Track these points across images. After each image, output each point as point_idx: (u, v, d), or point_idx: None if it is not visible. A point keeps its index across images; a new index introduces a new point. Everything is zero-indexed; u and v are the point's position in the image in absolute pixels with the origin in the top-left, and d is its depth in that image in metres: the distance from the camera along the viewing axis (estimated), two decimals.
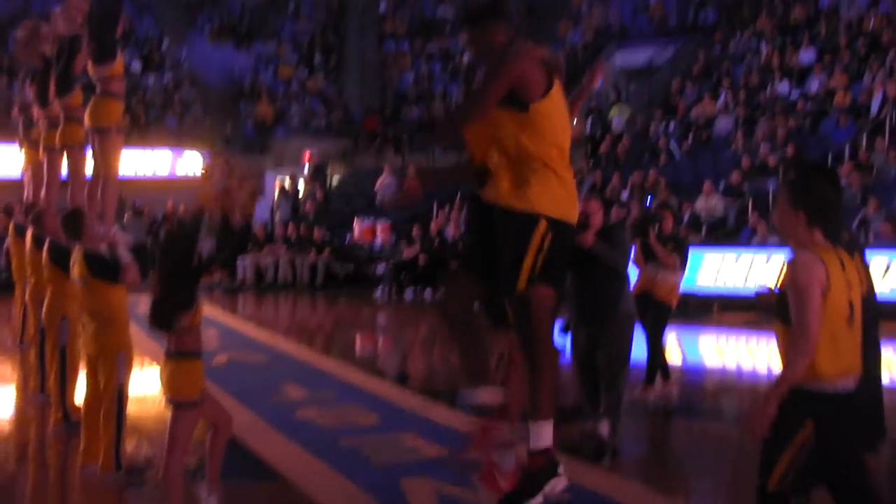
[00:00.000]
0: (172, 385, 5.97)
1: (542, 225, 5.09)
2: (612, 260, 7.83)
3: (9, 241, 13.50)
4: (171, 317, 5.89)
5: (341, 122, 31.30)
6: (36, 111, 10.60)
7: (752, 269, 17.06)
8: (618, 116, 26.26)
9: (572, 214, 5.31)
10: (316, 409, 9.35)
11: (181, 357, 5.96)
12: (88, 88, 8.98)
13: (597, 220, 7.96)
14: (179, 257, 5.93)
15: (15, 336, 13.59)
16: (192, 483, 6.23)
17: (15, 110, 15.12)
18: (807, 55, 24.76)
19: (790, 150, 20.82)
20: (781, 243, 17.17)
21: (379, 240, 23.04)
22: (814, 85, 23.50)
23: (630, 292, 8.25)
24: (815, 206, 4.47)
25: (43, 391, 9.50)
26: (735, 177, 20.42)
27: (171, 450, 5.98)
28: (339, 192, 28.71)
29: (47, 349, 8.97)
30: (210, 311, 17.21)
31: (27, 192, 13.40)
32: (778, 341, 4.53)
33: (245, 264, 23.17)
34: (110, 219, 8.33)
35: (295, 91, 32.02)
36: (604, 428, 7.83)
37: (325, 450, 7.85)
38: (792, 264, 4.42)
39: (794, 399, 4.38)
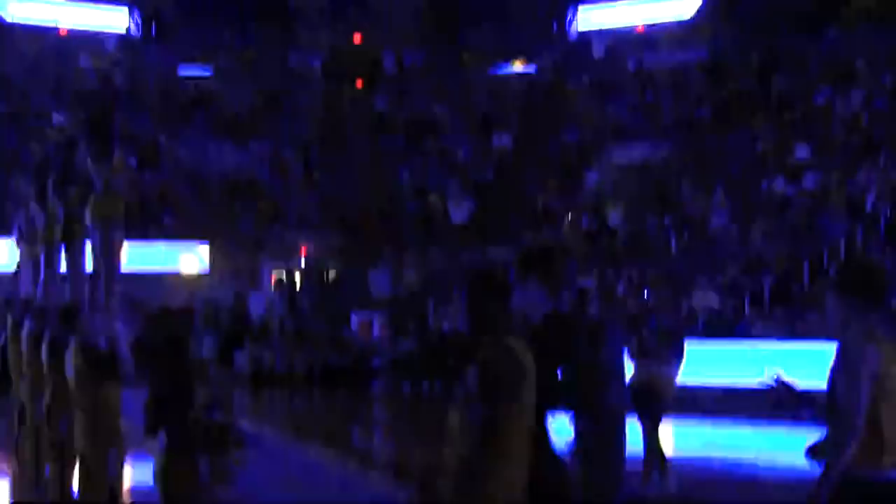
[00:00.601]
0: (165, 481, 5.91)
1: None
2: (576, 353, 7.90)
3: (7, 336, 13.46)
4: (162, 416, 5.86)
5: (338, 218, 31.43)
6: (34, 207, 10.66)
7: (750, 362, 16.99)
8: (614, 212, 26.39)
9: None
10: None
11: (175, 453, 5.91)
12: (85, 186, 9.07)
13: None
14: (169, 359, 5.92)
15: (12, 432, 13.49)
16: None
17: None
18: (802, 151, 25.00)
19: (785, 245, 20.91)
20: (776, 336, 17.18)
21: (376, 333, 22.98)
22: (809, 181, 23.67)
23: (622, 387, 8.14)
24: (864, 294, 4.55)
25: (38, 486, 9.39)
26: (731, 272, 20.46)
27: None
28: (336, 286, 28.71)
29: (45, 444, 8.89)
30: None
31: (24, 288, 13.40)
32: (831, 430, 4.53)
33: (242, 357, 23.10)
34: (113, 313, 8.32)
35: (292, 187, 32.22)
36: None
37: None
38: (842, 351, 4.47)
39: (852, 487, 4.40)
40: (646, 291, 20.23)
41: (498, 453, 3.94)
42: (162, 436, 5.90)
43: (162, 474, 5.91)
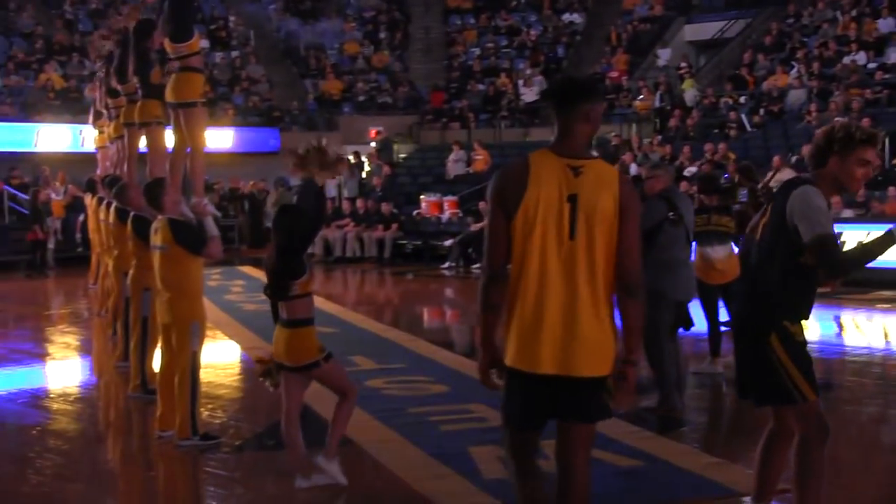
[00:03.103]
0: (290, 352, 6.17)
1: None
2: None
3: (90, 215, 13.81)
4: (287, 287, 6.16)
5: (407, 98, 31.36)
6: (115, 84, 10.81)
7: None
8: (691, 90, 25.97)
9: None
10: (385, 380, 9.46)
11: (295, 325, 6.20)
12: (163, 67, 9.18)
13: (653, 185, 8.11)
14: (293, 230, 6.14)
15: (98, 306, 13.97)
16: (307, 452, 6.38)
17: (90, 87, 15.42)
18: (885, 24, 24.25)
19: (865, 122, 20.46)
20: (855, 217, 16.96)
21: (446, 214, 23.08)
22: (892, 55, 23.01)
23: (667, 268, 8.02)
24: None
25: (126, 359, 9.69)
26: (806, 150, 20.09)
27: (343, 396, 6.36)
28: (405, 167, 28.79)
29: (131, 318, 9.14)
30: None
31: (101, 167, 13.70)
32: None
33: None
34: (199, 191, 8.43)
35: (361, 67, 32.12)
36: (649, 401, 8.23)
37: (395, 418, 7.96)
38: None
39: None
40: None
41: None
42: (282, 308, 6.24)
43: (285, 345, 6.24)
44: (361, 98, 31.01)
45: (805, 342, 4.83)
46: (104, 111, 12.74)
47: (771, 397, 4.89)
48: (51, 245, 21.41)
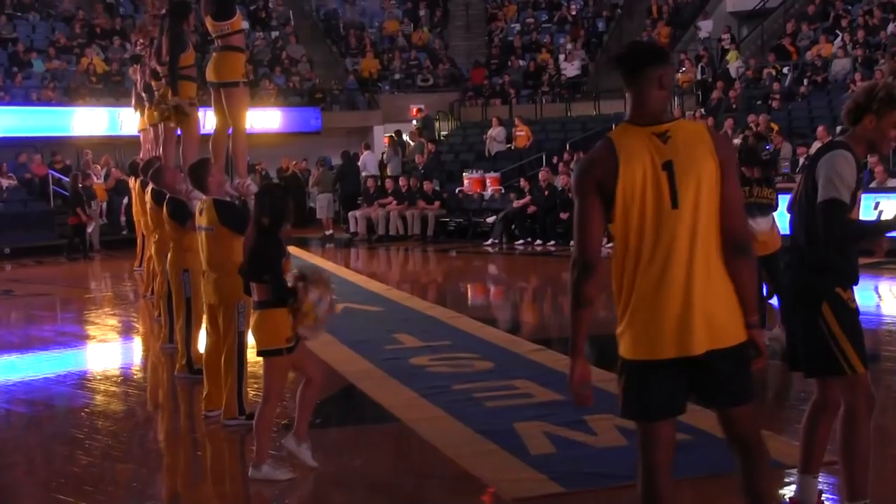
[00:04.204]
0: (256, 335, 6.13)
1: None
2: None
3: (135, 197, 13.91)
4: (262, 267, 6.08)
5: (448, 76, 31.26)
6: (156, 66, 10.85)
7: (874, 211, 16.60)
8: (736, 62, 25.67)
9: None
10: (430, 357, 9.46)
11: (265, 307, 6.12)
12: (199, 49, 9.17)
13: None
14: (276, 212, 6.08)
15: (143, 289, 14.09)
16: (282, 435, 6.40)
17: (132, 69, 15.49)
18: None
19: None
20: None
21: (489, 191, 23.02)
22: None
23: None
24: None
25: (171, 341, 9.76)
26: None
27: (265, 400, 6.21)
28: (447, 145, 28.72)
29: (174, 300, 9.19)
30: (324, 262, 17.45)
31: (144, 151, 13.80)
32: None
33: (357, 217, 23.42)
34: (242, 171, 8.44)
35: (401, 45, 32.07)
36: None
37: (440, 395, 7.96)
38: None
39: None
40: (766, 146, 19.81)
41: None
42: (255, 290, 6.16)
43: (254, 328, 6.17)
44: (401, 76, 30.97)
45: (857, 311, 4.77)
46: (144, 94, 12.81)
47: (821, 369, 4.83)
48: (89, 229, 21.58)
